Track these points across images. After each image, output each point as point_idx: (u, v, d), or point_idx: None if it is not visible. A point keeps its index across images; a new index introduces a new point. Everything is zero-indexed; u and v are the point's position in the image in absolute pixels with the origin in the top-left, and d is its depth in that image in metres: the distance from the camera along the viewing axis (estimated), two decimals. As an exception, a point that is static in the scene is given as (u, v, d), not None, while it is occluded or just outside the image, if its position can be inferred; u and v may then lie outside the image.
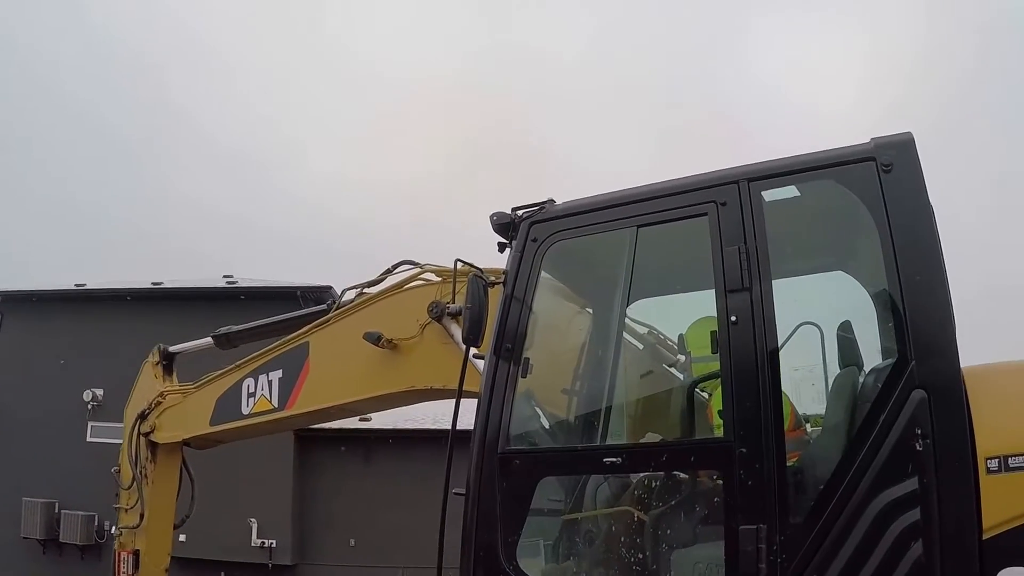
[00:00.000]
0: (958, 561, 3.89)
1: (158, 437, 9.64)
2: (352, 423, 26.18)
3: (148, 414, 9.69)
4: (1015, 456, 3.94)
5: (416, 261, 7.30)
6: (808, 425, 5.15)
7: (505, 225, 5.16)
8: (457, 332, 6.55)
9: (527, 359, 4.96)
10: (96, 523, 27.74)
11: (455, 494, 4.92)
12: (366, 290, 7.72)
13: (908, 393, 4.04)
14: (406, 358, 7.10)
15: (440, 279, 6.99)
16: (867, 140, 4.55)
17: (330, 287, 26.96)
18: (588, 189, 5.25)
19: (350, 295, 7.83)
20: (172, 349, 10.08)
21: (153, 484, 9.70)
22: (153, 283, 30.37)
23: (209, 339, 9.80)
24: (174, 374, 10.11)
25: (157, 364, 10.05)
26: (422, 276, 7.21)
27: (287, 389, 8.17)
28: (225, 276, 31.39)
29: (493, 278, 5.13)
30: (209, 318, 29.10)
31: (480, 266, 5.38)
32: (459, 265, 5.67)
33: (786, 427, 4.50)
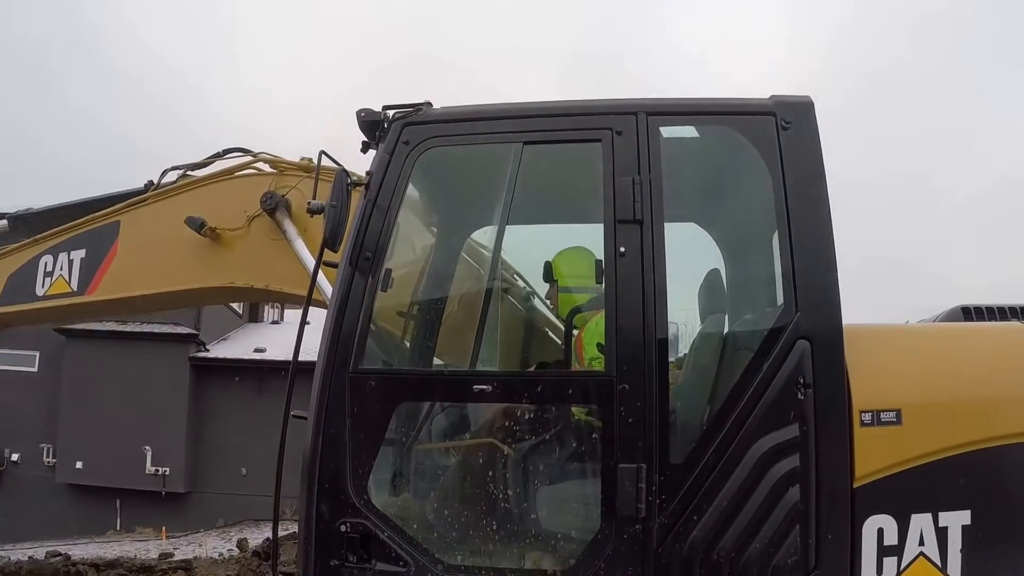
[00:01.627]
0: (831, 508, 3.96)
1: (-58, 316, 8.48)
2: (247, 353, 25.84)
3: None
4: (887, 411, 4.04)
5: (249, 149, 6.60)
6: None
7: (373, 123, 4.48)
8: (290, 228, 6.01)
9: (388, 271, 4.42)
10: (-4, 451, 27.22)
11: (295, 417, 4.37)
12: (190, 173, 6.93)
13: (792, 342, 4.03)
14: (228, 251, 6.46)
15: (275, 171, 6.33)
16: (767, 97, 4.46)
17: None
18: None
19: (172, 176, 6.97)
20: None
21: None
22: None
23: (4, 222, 8.61)
24: None
25: None
26: (255, 165, 6.53)
27: (89, 271, 7.26)
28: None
29: (355, 179, 4.49)
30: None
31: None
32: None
33: None
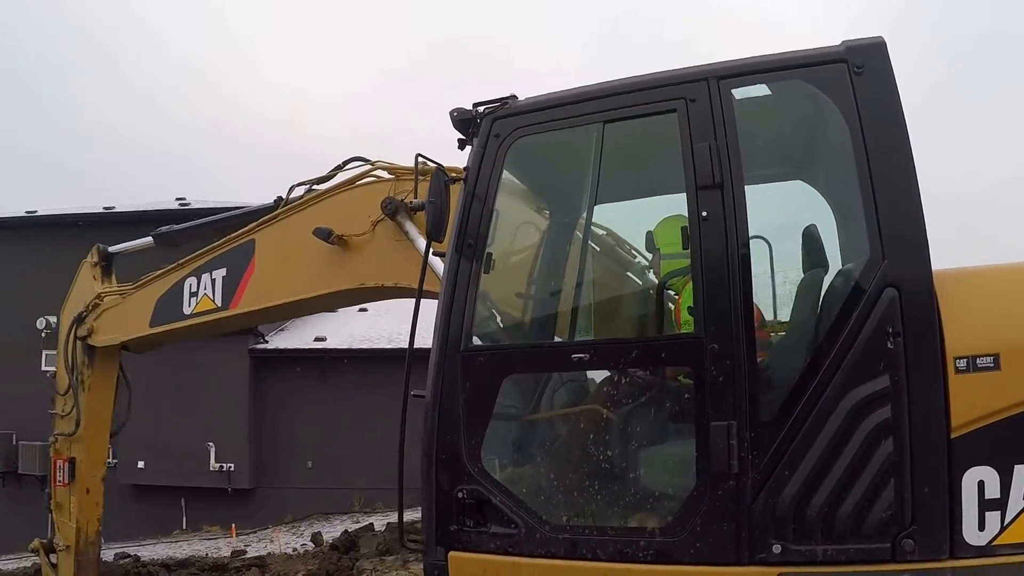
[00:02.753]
0: (927, 459, 3.93)
1: (95, 340, 9.43)
2: (307, 343, 26.33)
3: (85, 317, 9.45)
4: (983, 356, 3.96)
5: (367, 158, 7.08)
6: (773, 329, 5.07)
7: (466, 121, 4.95)
8: (412, 229, 6.42)
9: (489, 254, 4.84)
10: (56, 452, 27.93)
11: (414, 396, 4.79)
12: (315, 187, 7.47)
13: (880, 291, 4.05)
14: (357, 255, 6.93)
15: (393, 176, 6.78)
16: (837, 43, 4.48)
17: (279, 205, 26.93)
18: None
19: (298, 191, 7.56)
20: (112, 249, 9.77)
21: (90, 391, 9.54)
22: (105, 208, 29.82)
23: (150, 239, 9.49)
24: (113, 276, 9.83)
25: (95, 265, 9.75)
26: (374, 173, 6.99)
27: (231, 288, 7.96)
28: (178, 199, 31.00)
29: (454, 175, 4.93)
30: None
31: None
32: (420, 160, 5.43)
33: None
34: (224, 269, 8.04)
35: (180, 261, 8.60)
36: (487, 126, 4.89)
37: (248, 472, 27.09)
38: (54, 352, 27.01)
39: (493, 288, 5.09)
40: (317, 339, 27.00)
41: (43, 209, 30.65)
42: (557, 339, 5.41)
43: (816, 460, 4.04)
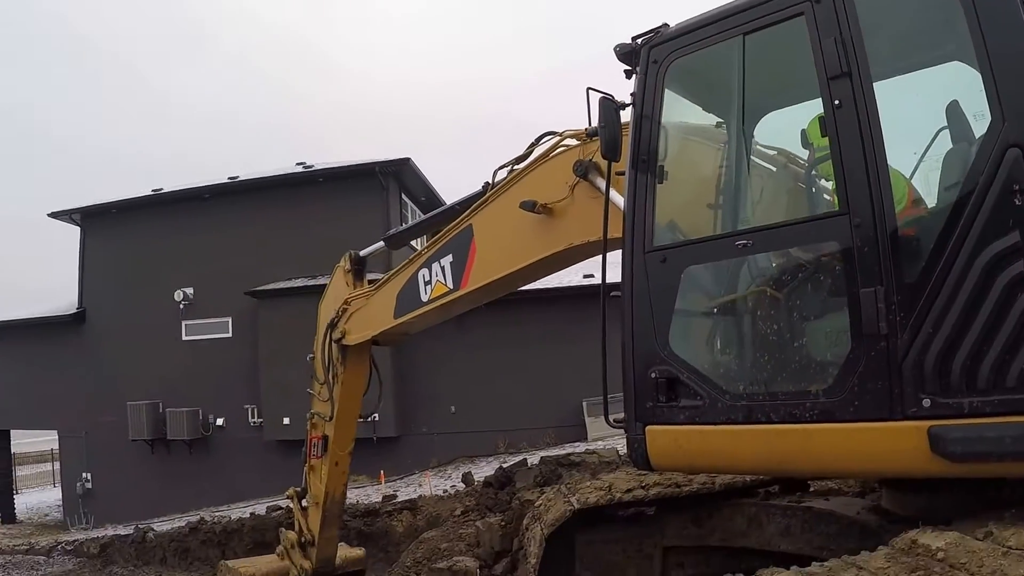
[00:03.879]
0: None
1: (349, 340, 10.66)
2: None
3: (337, 322, 10.73)
4: None
5: (555, 131, 7.68)
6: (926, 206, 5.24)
7: (628, 54, 5.67)
8: (603, 183, 6.82)
9: (662, 167, 5.49)
10: (201, 417, 30.00)
11: (613, 296, 5.56)
12: (515, 167, 8.12)
13: (1003, 153, 4.20)
14: (561, 219, 7.46)
15: (579, 142, 7.30)
16: None
17: (408, 159, 27.79)
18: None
19: (502, 174, 8.26)
20: (362, 253, 10.91)
21: (343, 384, 10.90)
22: (229, 178, 31.03)
23: (381, 242, 10.71)
24: (364, 279, 10.96)
25: (348, 271, 10.90)
26: (563, 143, 7.53)
27: (459, 270, 8.75)
28: (298, 163, 31.86)
29: (623, 102, 5.64)
30: (289, 204, 29.71)
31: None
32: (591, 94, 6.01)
33: (903, 205, 4.87)
34: (450, 255, 8.85)
35: (410, 258, 9.56)
36: (645, 54, 5.59)
37: (393, 420, 27.49)
38: (193, 322, 29.48)
39: (668, 195, 5.63)
40: (453, 283, 26.89)
41: (168, 186, 32.25)
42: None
43: (958, 317, 4.29)
